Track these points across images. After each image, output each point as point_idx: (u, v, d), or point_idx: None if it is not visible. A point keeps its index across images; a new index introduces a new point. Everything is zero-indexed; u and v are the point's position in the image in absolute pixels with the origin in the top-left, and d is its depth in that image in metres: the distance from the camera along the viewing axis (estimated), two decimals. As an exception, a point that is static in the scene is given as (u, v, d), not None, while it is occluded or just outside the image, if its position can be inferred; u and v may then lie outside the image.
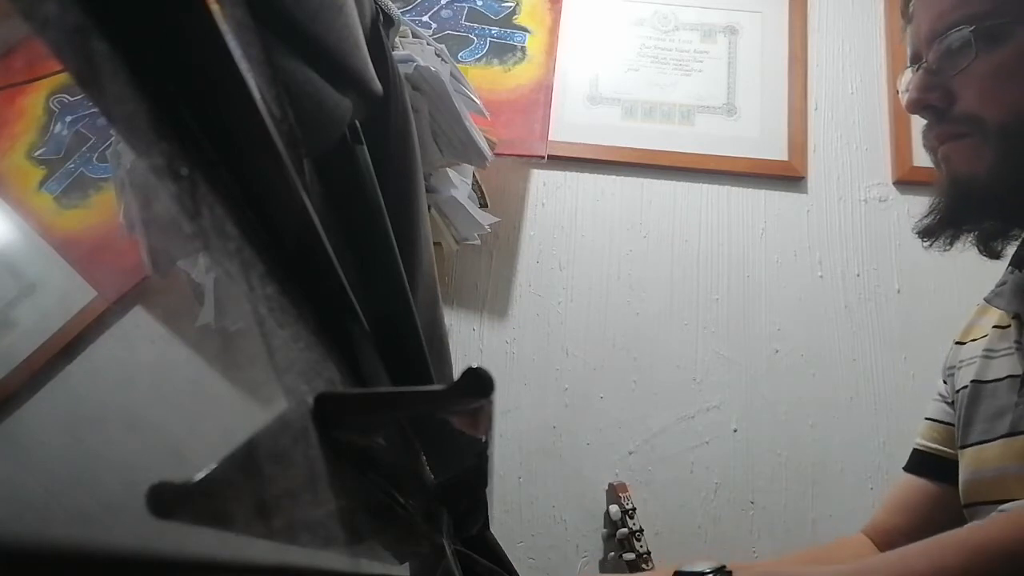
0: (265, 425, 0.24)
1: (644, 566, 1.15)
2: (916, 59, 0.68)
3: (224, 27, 0.21)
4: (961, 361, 0.78)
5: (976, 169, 0.63)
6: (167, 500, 0.18)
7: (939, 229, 0.68)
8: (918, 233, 0.71)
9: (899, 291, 1.39)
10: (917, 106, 0.66)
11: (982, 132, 0.62)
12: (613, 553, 1.21)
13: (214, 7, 0.20)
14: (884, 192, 1.46)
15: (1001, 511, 0.64)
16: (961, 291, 1.37)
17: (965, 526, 0.59)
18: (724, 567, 0.63)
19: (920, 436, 0.85)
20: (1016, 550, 0.50)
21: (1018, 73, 0.61)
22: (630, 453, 1.30)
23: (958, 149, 0.65)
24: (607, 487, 1.26)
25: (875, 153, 1.48)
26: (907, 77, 0.70)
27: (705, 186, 1.45)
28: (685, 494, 1.28)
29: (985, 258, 0.70)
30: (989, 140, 0.62)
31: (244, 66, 0.23)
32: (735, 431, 1.31)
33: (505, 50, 1.44)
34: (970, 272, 1.37)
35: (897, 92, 1.46)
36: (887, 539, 0.83)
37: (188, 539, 0.19)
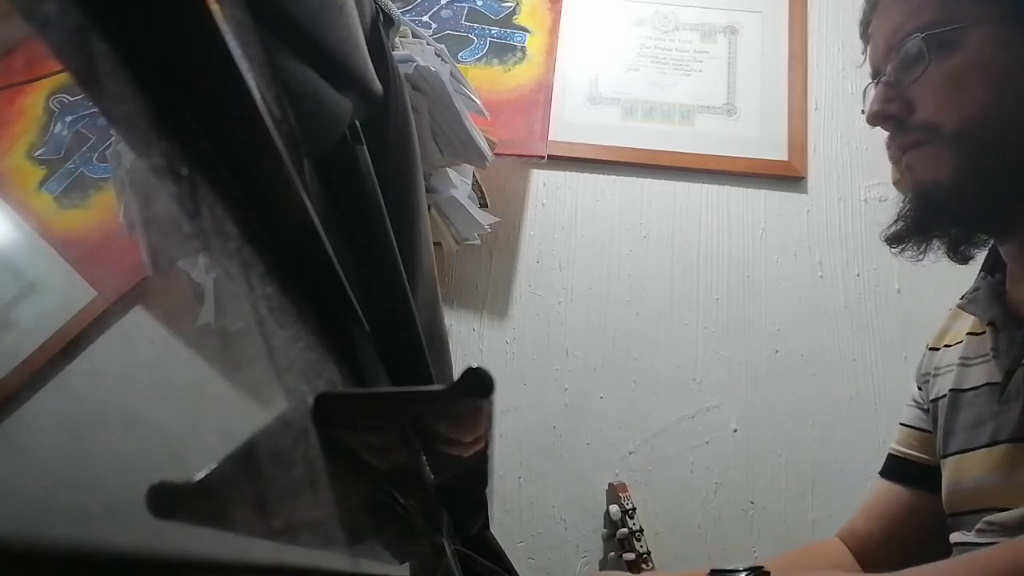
0: (265, 425, 0.24)
1: (644, 566, 1.15)
2: (876, 75, 0.70)
3: (224, 27, 0.21)
4: (937, 368, 0.78)
5: (938, 176, 0.64)
6: (167, 500, 0.18)
7: (906, 235, 0.69)
8: (886, 240, 0.71)
9: (899, 291, 1.39)
10: (877, 118, 0.68)
11: (941, 139, 0.63)
12: (613, 553, 1.21)
13: (214, 7, 0.20)
14: (884, 192, 1.46)
15: (988, 521, 0.64)
16: (961, 291, 1.37)
17: (969, 554, 0.58)
18: (761, 567, 0.63)
19: (895, 442, 0.85)
20: None
21: (970, 78, 0.62)
22: (630, 453, 1.30)
23: (919, 157, 0.66)
24: (607, 487, 1.26)
25: (875, 153, 1.48)
26: (869, 94, 0.71)
27: (705, 186, 1.45)
28: (685, 494, 1.28)
29: (957, 264, 0.71)
30: (948, 146, 0.63)
31: (244, 66, 0.23)
32: (735, 431, 1.31)
33: (505, 50, 1.44)
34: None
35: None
36: (862, 545, 0.83)
37: (188, 539, 0.19)
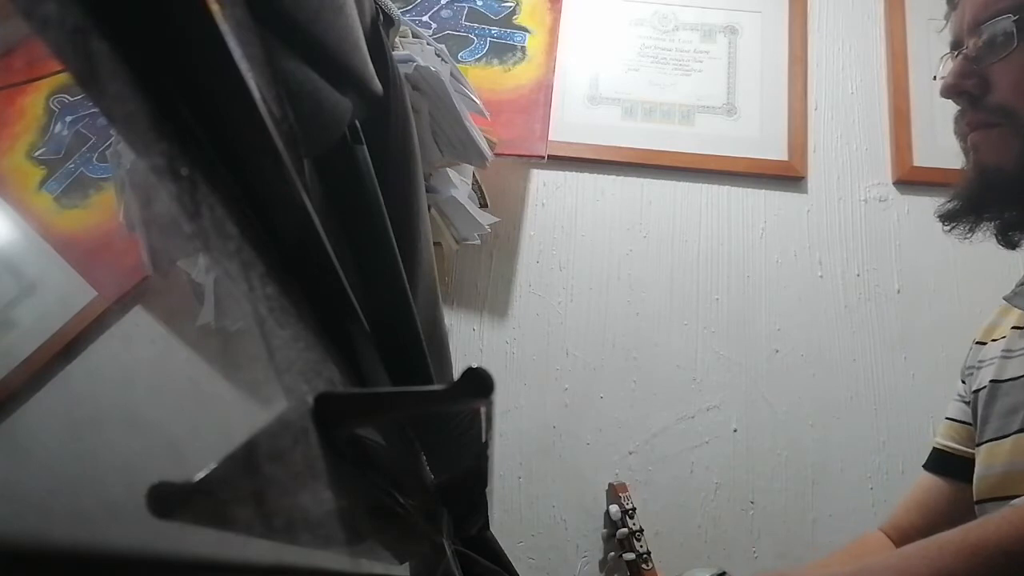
0: (265, 425, 0.24)
1: (644, 566, 1.15)
2: (956, 46, 0.68)
3: (224, 27, 0.21)
4: (981, 361, 0.78)
5: (1003, 160, 0.64)
6: (167, 500, 0.18)
7: (960, 214, 0.69)
8: (940, 217, 0.71)
9: (899, 291, 1.39)
10: (952, 91, 0.67)
11: (1012, 123, 0.63)
12: (613, 553, 1.21)
13: (214, 7, 0.20)
14: (884, 192, 1.46)
15: (1012, 505, 0.64)
16: (961, 291, 1.37)
17: (963, 525, 0.59)
18: (724, 573, 0.63)
19: (940, 435, 0.85)
20: (1013, 549, 0.50)
21: None
22: (630, 453, 1.30)
23: (987, 138, 0.65)
24: (607, 487, 1.26)
25: (875, 153, 1.48)
26: (945, 64, 0.70)
27: (705, 186, 1.45)
28: (685, 494, 1.28)
29: (1004, 248, 0.70)
30: (1019, 132, 0.62)
31: (244, 66, 0.23)
32: (735, 431, 1.31)
33: (505, 50, 1.44)
34: (970, 272, 1.37)
35: (899, 91, 1.45)
36: (905, 537, 0.84)
37: (188, 539, 0.19)
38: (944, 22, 0.72)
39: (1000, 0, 0.63)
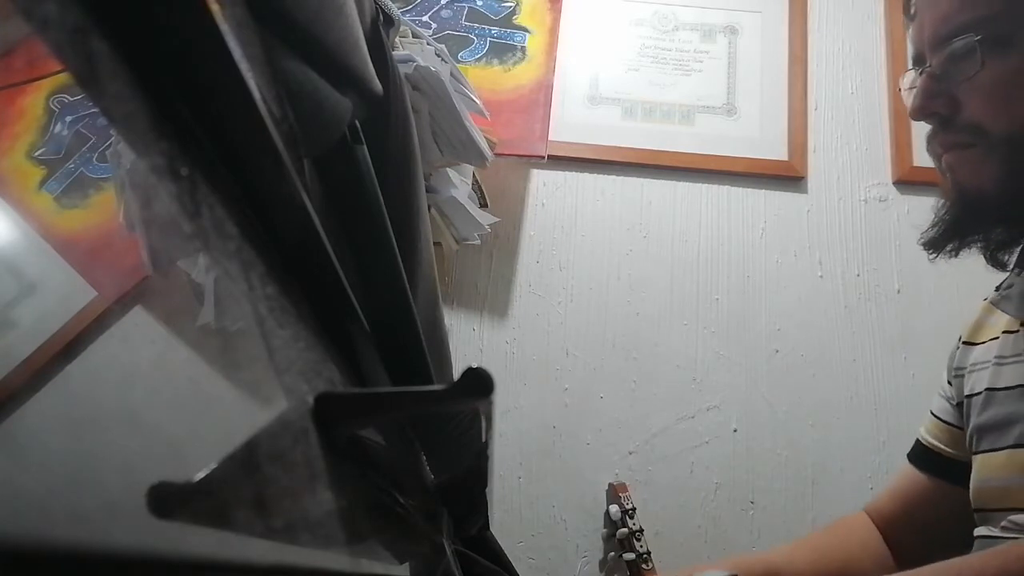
0: (265, 425, 0.24)
1: (644, 566, 1.15)
2: (919, 60, 0.66)
3: (224, 27, 0.21)
4: (973, 364, 0.76)
5: (981, 182, 0.62)
6: (167, 500, 0.18)
7: (944, 241, 0.67)
8: (923, 245, 0.69)
9: (899, 291, 1.39)
10: (921, 113, 0.64)
11: (987, 143, 0.61)
12: (613, 553, 1.21)
13: (214, 7, 0.20)
14: (884, 192, 1.46)
15: (1011, 520, 0.64)
16: (961, 291, 1.37)
17: (979, 553, 0.58)
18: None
19: (924, 428, 0.84)
20: None
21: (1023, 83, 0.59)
22: (630, 453, 1.30)
23: (962, 160, 0.63)
24: (607, 487, 1.26)
25: (875, 153, 1.48)
26: (910, 77, 0.68)
27: (705, 186, 1.45)
28: (685, 494, 1.28)
29: (994, 270, 0.69)
30: (994, 151, 0.60)
31: (244, 66, 0.23)
32: (735, 431, 1.31)
33: (505, 50, 1.44)
34: (970, 272, 1.37)
35: (898, 91, 1.45)
36: (886, 523, 0.84)
37: (188, 539, 0.19)
38: (906, 24, 0.69)
39: (959, 14, 0.60)
